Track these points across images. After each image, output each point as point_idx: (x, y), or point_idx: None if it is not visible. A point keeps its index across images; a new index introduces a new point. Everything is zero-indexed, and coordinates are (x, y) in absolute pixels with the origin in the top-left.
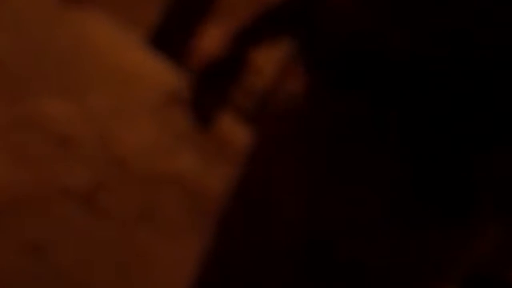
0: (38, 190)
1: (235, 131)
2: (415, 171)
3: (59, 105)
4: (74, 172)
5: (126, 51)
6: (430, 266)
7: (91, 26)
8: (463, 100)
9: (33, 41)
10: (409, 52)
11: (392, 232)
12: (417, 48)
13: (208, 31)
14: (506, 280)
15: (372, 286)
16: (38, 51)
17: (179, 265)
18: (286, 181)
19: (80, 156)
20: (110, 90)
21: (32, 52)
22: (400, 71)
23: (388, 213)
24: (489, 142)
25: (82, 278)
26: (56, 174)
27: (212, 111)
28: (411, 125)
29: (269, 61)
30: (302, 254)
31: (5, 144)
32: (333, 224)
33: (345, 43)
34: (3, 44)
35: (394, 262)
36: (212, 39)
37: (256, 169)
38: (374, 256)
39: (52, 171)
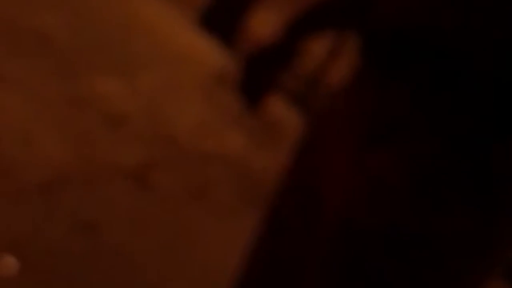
0: (89, 168)
1: (284, 113)
2: (437, 160)
3: (110, 84)
4: (125, 150)
5: (177, 31)
6: (470, 253)
7: (142, 6)
8: (486, 89)
9: (85, 20)
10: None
11: (416, 221)
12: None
13: (258, 14)
14: None
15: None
16: (90, 29)
17: (227, 243)
18: (332, 169)
19: (131, 134)
20: (161, 70)
21: (84, 31)
22: (443, 58)
23: (415, 199)
24: (508, 131)
25: (132, 256)
26: (108, 152)
27: (261, 94)
28: (438, 112)
29: (319, 44)
30: (342, 244)
31: (57, 122)
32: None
33: (396, 29)
34: (55, 23)
35: (424, 254)
36: (263, 23)
37: (306, 156)
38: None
39: (104, 149)
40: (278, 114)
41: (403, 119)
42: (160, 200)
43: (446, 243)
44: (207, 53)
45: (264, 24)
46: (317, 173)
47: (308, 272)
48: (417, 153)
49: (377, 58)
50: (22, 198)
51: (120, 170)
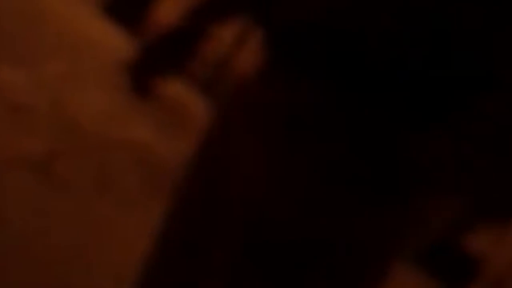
0: None
1: (190, 100)
2: (352, 151)
3: (10, 73)
4: (27, 140)
5: (79, 19)
6: (370, 245)
7: None
8: (402, 78)
9: None
10: (361, 31)
11: (331, 210)
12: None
13: (164, 2)
14: (459, 250)
15: (314, 264)
16: None
17: (135, 234)
18: (243, 156)
19: (33, 124)
20: (62, 57)
21: None
22: (348, 50)
23: (326, 191)
24: (425, 121)
25: (39, 251)
26: (9, 143)
27: (156, 79)
28: (351, 104)
29: (226, 29)
30: (244, 233)
31: None
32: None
33: (302, 22)
34: None
35: (336, 241)
36: (166, 9)
37: (214, 145)
38: (315, 232)
39: (5, 139)
40: (184, 100)
41: (312, 116)
42: (65, 191)
43: (345, 244)
44: (112, 40)
45: (170, 11)
46: (224, 163)
47: (212, 262)
48: (323, 152)
49: (286, 52)
50: None
51: (23, 161)
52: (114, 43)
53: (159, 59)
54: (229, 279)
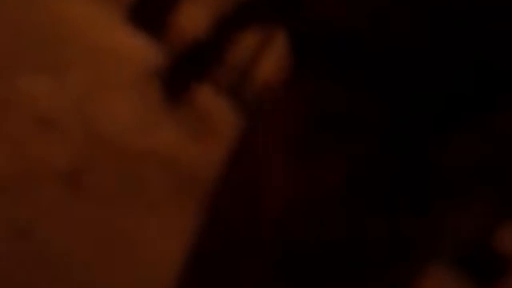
0: (19, 171)
1: (216, 107)
2: (384, 155)
3: (37, 84)
4: (54, 152)
5: (104, 28)
6: (398, 254)
7: (69, 3)
8: (424, 78)
9: (10, 19)
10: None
11: (351, 215)
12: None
13: (186, 9)
14: (494, 251)
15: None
16: (15, 28)
17: (161, 242)
18: (269, 161)
19: (60, 135)
20: (88, 68)
21: (9, 30)
22: (373, 54)
23: (348, 196)
24: (447, 122)
25: (71, 259)
26: (37, 154)
27: (187, 87)
28: (382, 107)
29: (250, 35)
30: (279, 249)
31: None
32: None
33: (327, 27)
34: None
35: (367, 245)
36: (191, 17)
37: (244, 158)
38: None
39: (32, 151)
40: (210, 107)
41: (341, 118)
42: (95, 202)
43: (381, 245)
44: (136, 49)
45: (193, 19)
46: (255, 173)
47: (246, 272)
48: (353, 153)
49: (313, 57)
50: None
51: (53, 172)
52: (139, 52)
53: (189, 68)
54: None
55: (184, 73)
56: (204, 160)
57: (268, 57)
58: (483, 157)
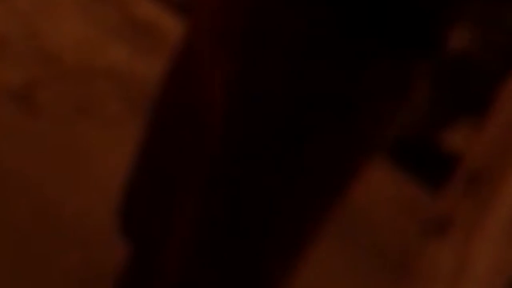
0: None
1: (165, 22)
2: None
3: None
4: (7, 71)
5: None
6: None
7: None
8: None
9: None
10: None
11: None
12: None
13: None
14: (435, 146)
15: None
16: None
17: (116, 156)
18: (205, 55)
19: (11, 54)
20: None
21: None
22: None
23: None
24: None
25: (27, 177)
26: None
27: None
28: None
29: None
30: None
31: None
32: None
33: None
34: None
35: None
36: None
37: (185, 61)
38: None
39: None
40: (159, 23)
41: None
42: (49, 118)
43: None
44: None
45: None
46: (195, 71)
47: (189, 182)
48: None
49: None
50: None
51: (4, 90)
52: None
53: None
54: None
55: None
56: (155, 74)
57: None
58: None
